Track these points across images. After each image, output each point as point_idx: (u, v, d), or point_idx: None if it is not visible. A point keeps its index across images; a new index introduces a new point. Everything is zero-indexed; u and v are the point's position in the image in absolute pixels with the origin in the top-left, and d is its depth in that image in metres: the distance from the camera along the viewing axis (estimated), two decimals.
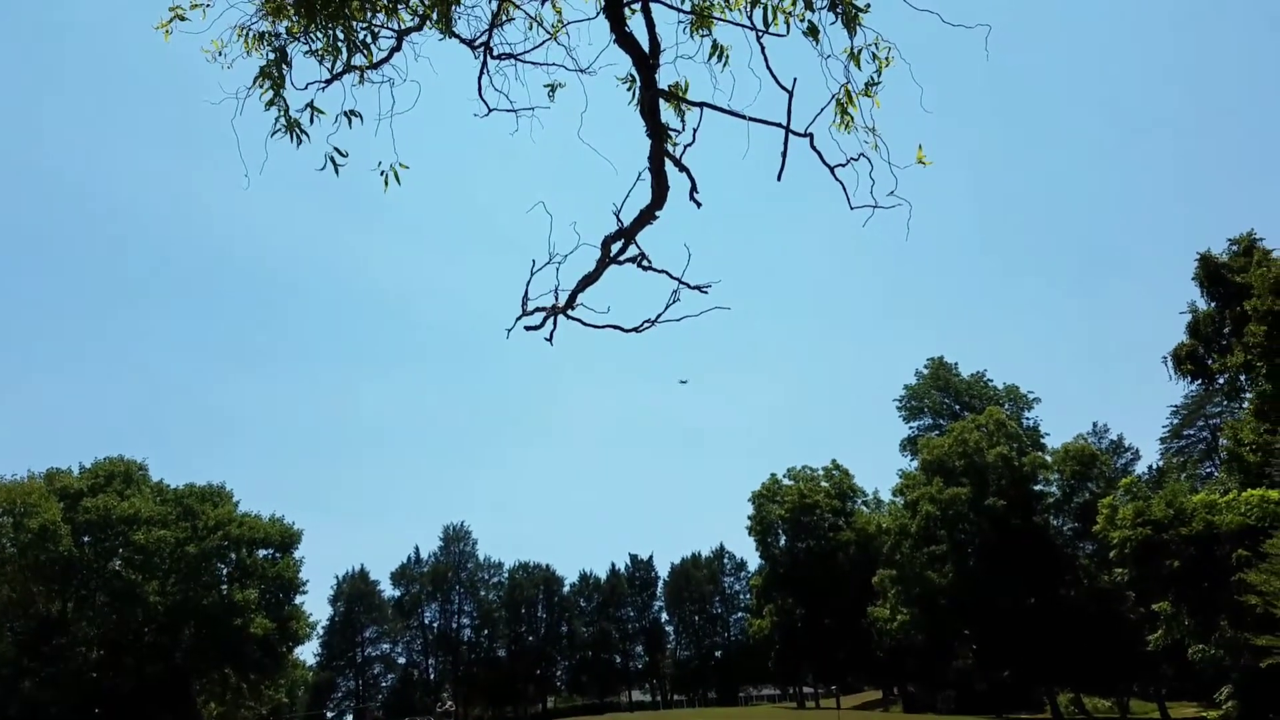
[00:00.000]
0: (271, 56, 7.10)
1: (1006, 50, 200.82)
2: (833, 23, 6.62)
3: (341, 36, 7.16)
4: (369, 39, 7.31)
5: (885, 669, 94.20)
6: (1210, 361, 54.27)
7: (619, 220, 7.35)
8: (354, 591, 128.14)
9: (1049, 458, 78.10)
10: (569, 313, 7.68)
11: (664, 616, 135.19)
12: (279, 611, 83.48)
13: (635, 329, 7.79)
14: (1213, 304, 54.13)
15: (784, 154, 6.88)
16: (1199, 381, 58.43)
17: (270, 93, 7.11)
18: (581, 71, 7.61)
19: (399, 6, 7.31)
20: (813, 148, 6.89)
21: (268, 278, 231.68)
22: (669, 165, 7.16)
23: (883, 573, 79.00)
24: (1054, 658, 68.58)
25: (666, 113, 7.20)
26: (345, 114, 7.23)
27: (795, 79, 6.75)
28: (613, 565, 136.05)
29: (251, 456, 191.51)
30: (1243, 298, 49.03)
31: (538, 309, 7.66)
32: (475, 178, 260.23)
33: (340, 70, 7.26)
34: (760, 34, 6.73)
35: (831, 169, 6.93)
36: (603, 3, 6.78)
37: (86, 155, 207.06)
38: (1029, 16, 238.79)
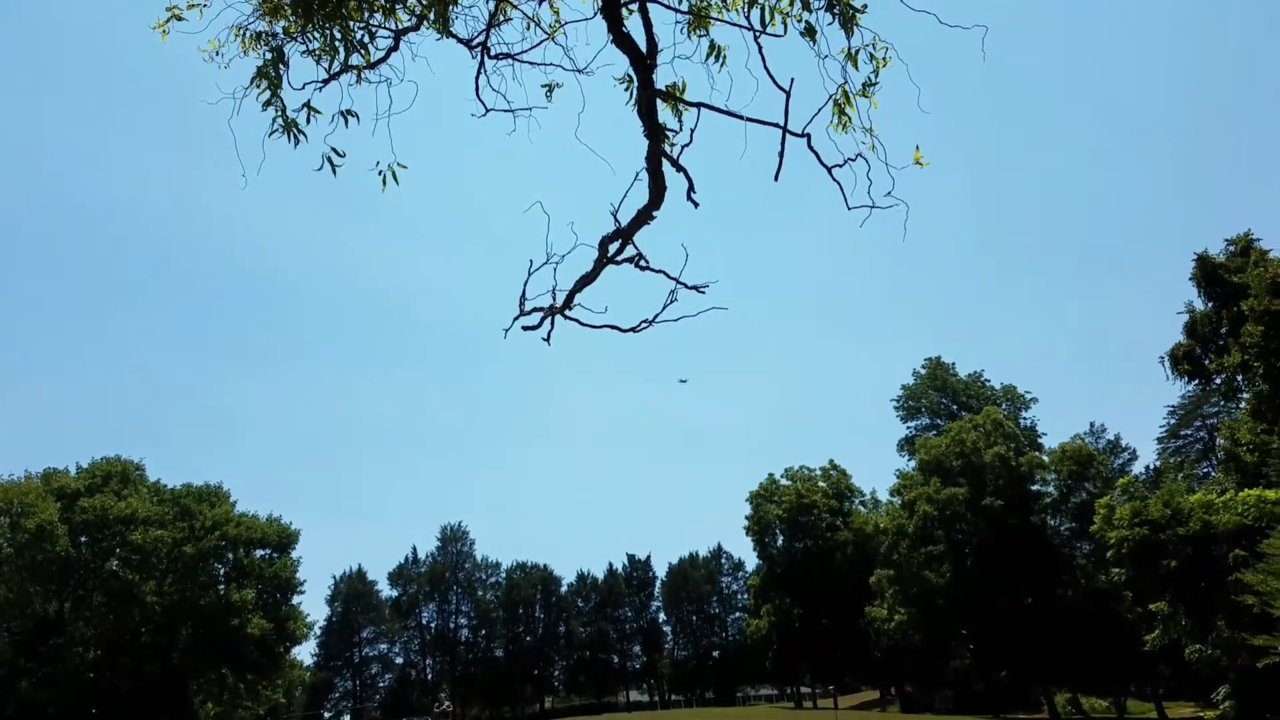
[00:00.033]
0: (268, 56, 7.09)
1: (1004, 51, 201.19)
2: (830, 23, 6.62)
3: (339, 36, 7.15)
4: (366, 39, 7.30)
5: (883, 669, 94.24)
6: (1207, 362, 54.33)
7: (616, 220, 7.35)
8: (351, 592, 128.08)
9: (1046, 458, 78.15)
10: (566, 313, 7.68)
11: (661, 616, 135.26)
12: (276, 612, 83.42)
13: (633, 329, 7.79)
14: (1210, 304, 54.21)
15: (781, 154, 6.89)
16: (1196, 382, 58.48)
17: (267, 93, 7.10)
18: (579, 72, 7.61)
19: (396, 6, 7.30)
20: (810, 148, 6.90)
21: (265, 277, 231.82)
22: (666, 165, 7.17)
23: (880, 573, 79.04)
24: (1051, 658, 68.62)
25: (664, 113, 7.20)
26: (342, 114, 7.22)
27: (792, 79, 6.76)
28: (610, 565, 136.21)
29: (249, 456, 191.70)
30: (1240, 298, 49.10)
31: (535, 309, 7.65)
32: (473, 178, 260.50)
33: (337, 70, 7.25)
34: (758, 34, 6.74)
35: (829, 169, 6.94)
36: (600, 3, 6.78)
37: (86, 155, 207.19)
38: (1026, 17, 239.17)
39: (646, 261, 7.63)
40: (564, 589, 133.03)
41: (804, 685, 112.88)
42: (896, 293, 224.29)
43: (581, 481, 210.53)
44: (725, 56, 7.10)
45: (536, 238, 7.39)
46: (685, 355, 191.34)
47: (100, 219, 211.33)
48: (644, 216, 7.29)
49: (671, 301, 7.63)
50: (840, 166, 6.90)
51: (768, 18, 6.68)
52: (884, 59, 6.75)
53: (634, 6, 6.80)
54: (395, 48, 7.38)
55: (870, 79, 6.81)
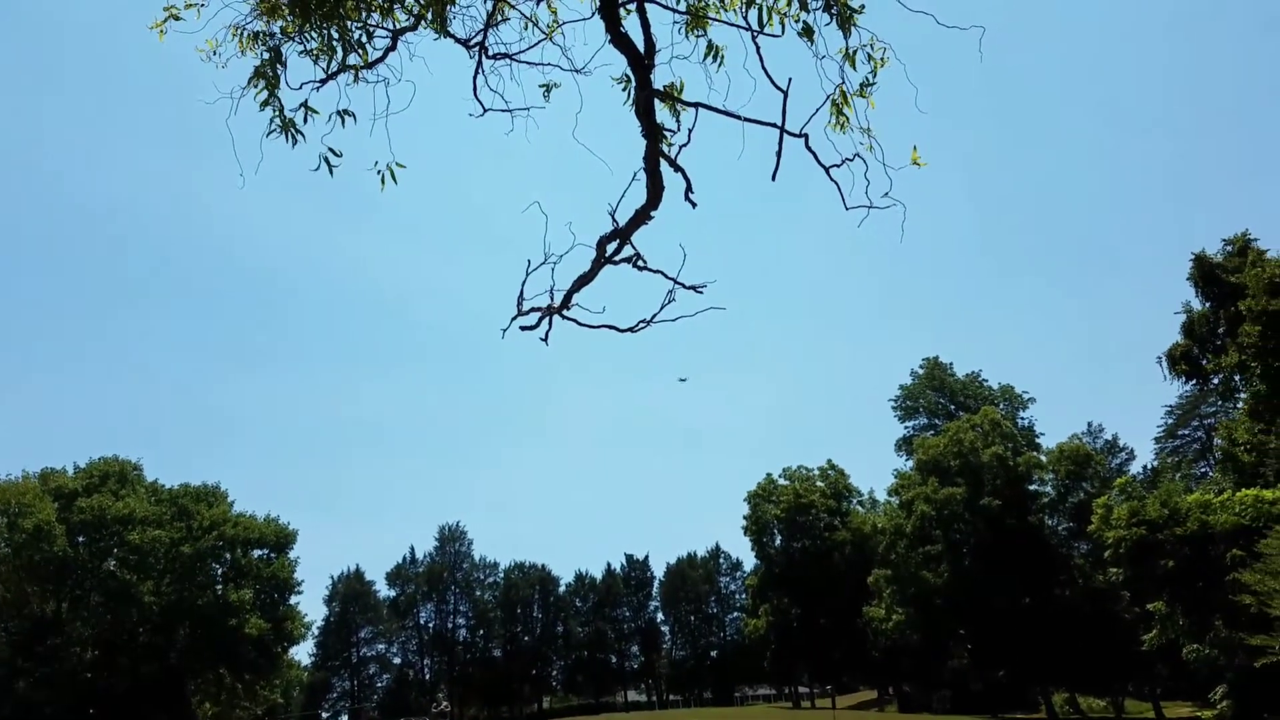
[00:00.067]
0: (266, 56, 7.08)
1: (1002, 51, 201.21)
2: (828, 23, 6.63)
3: (336, 36, 7.15)
4: (364, 38, 7.29)
5: (880, 669, 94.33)
6: (1205, 362, 54.41)
7: (614, 220, 7.36)
8: (349, 592, 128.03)
9: (1044, 458, 78.22)
10: (564, 313, 7.68)
11: (659, 616, 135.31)
12: (274, 612, 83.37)
13: (630, 329, 7.79)
14: (1207, 304, 54.30)
15: (779, 154, 6.89)
16: (1194, 382, 58.56)
17: (265, 93, 7.10)
18: (577, 71, 7.61)
19: (394, 6, 7.29)
20: (808, 148, 6.90)
21: (264, 277, 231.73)
22: (664, 165, 7.17)
23: (878, 572, 79.06)
24: (1049, 657, 68.67)
25: (662, 113, 7.21)
26: (339, 113, 7.21)
27: (790, 79, 6.76)
28: (608, 565, 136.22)
29: (246, 456, 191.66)
30: (1237, 298, 49.17)
31: (533, 309, 7.66)
32: (471, 178, 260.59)
33: (335, 70, 7.24)
34: (755, 34, 6.74)
35: (827, 169, 6.94)
36: (598, 3, 6.78)
37: (85, 155, 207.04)
38: (1024, 17, 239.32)
39: (644, 261, 7.63)
40: (562, 589, 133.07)
41: (802, 685, 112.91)
42: (894, 293, 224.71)
43: (579, 481, 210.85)
44: (723, 57, 7.10)
45: (534, 238, 7.38)
46: (683, 355, 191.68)
47: (99, 219, 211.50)
48: (642, 216, 7.29)
49: (669, 301, 7.64)
50: (838, 166, 6.91)
51: (765, 18, 6.68)
52: (882, 59, 6.76)
53: (632, 6, 6.80)
54: (393, 47, 7.38)
55: (868, 79, 6.82)
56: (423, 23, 7.35)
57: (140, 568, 75.43)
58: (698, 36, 7.14)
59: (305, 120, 7.16)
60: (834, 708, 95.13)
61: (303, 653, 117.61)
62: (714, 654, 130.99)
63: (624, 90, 7.40)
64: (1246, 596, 36.04)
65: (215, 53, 7.11)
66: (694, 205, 7.34)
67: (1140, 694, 78.90)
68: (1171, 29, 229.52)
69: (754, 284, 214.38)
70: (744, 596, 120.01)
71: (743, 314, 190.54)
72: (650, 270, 7.65)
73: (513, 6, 7.52)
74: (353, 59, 7.28)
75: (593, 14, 6.96)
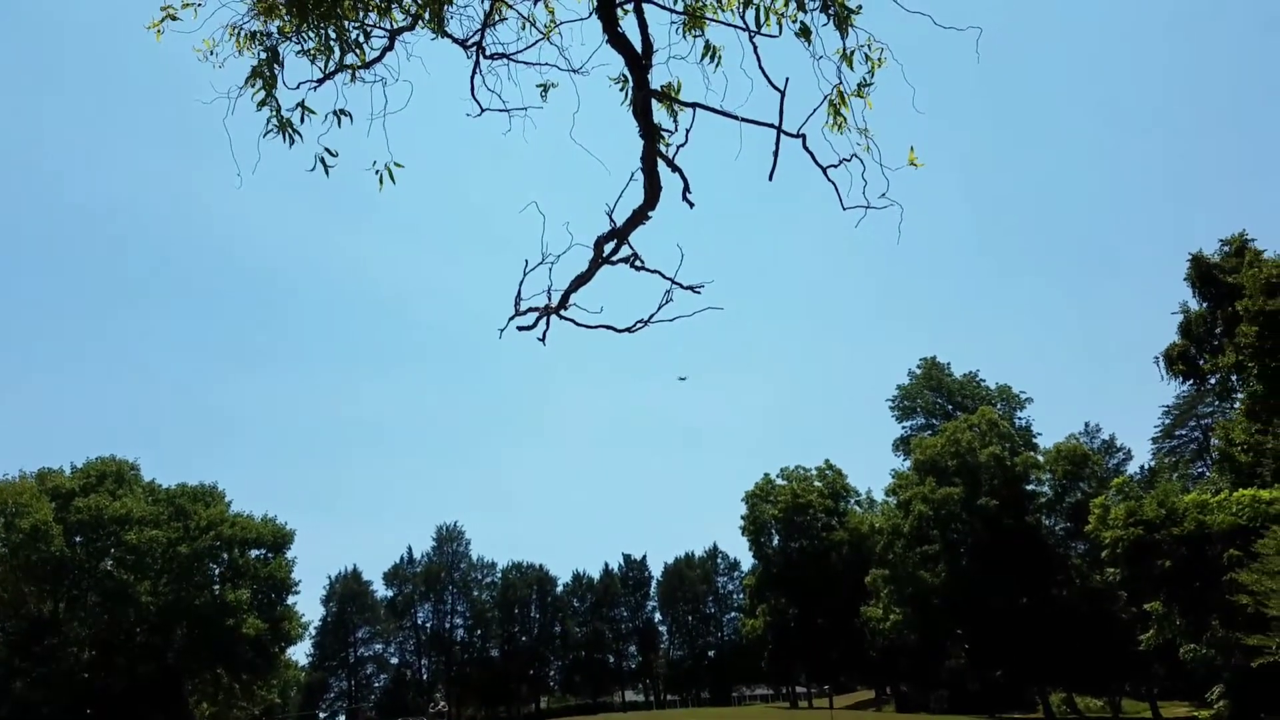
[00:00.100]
0: (263, 56, 7.07)
1: (999, 51, 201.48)
2: (825, 24, 6.63)
3: (334, 36, 7.14)
4: (361, 38, 7.29)
5: (878, 669, 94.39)
6: (1202, 362, 54.45)
7: (612, 220, 7.36)
8: (346, 592, 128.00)
9: (1041, 458, 78.29)
10: (562, 313, 7.69)
11: (657, 616, 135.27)
12: (271, 612, 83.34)
13: (628, 329, 7.80)
14: (1204, 304, 54.33)
15: (775, 154, 6.90)
16: (1191, 382, 58.63)
17: (262, 92, 7.09)
18: (574, 72, 7.62)
19: (391, 6, 7.29)
20: (805, 148, 6.91)
21: (261, 277, 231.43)
22: (661, 165, 7.18)
23: (875, 572, 79.10)
24: (1046, 657, 68.72)
25: (659, 113, 7.21)
26: (336, 113, 7.21)
27: (787, 79, 6.77)
28: (606, 565, 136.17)
29: (244, 456, 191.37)
30: (1234, 298, 49.21)
31: (531, 309, 7.66)
32: (468, 178, 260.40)
33: (332, 70, 7.23)
34: (753, 34, 6.75)
35: (824, 170, 6.95)
36: (595, 3, 6.78)
37: (85, 155, 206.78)
38: (1022, 18, 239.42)
39: (642, 261, 7.64)
40: (560, 589, 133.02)
41: (799, 685, 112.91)
42: (892, 293, 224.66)
43: (577, 481, 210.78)
44: (720, 57, 7.11)
45: (532, 238, 7.37)
46: (681, 355, 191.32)
47: (98, 219, 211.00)
48: (639, 216, 7.30)
49: (667, 301, 7.65)
50: (835, 167, 6.92)
51: (763, 18, 6.68)
52: (879, 59, 6.76)
53: (629, 7, 6.80)
54: (390, 47, 7.38)
55: (865, 79, 6.82)
56: (420, 22, 7.35)
57: (137, 568, 75.40)
58: (695, 37, 7.15)
59: (302, 120, 7.16)
60: (831, 707, 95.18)
61: (300, 653, 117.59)
62: (711, 654, 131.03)
63: (621, 90, 7.41)
64: (1243, 596, 36.06)
65: (212, 52, 7.10)
66: (691, 205, 7.35)
67: (1137, 694, 79.01)
68: (1170, 29, 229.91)
69: (751, 284, 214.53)
70: (741, 596, 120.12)
71: (740, 314, 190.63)
72: (648, 270, 7.66)
73: (510, 6, 7.52)
74: (350, 59, 7.28)
75: (590, 14, 6.96)
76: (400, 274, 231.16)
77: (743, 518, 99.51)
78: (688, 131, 7.28)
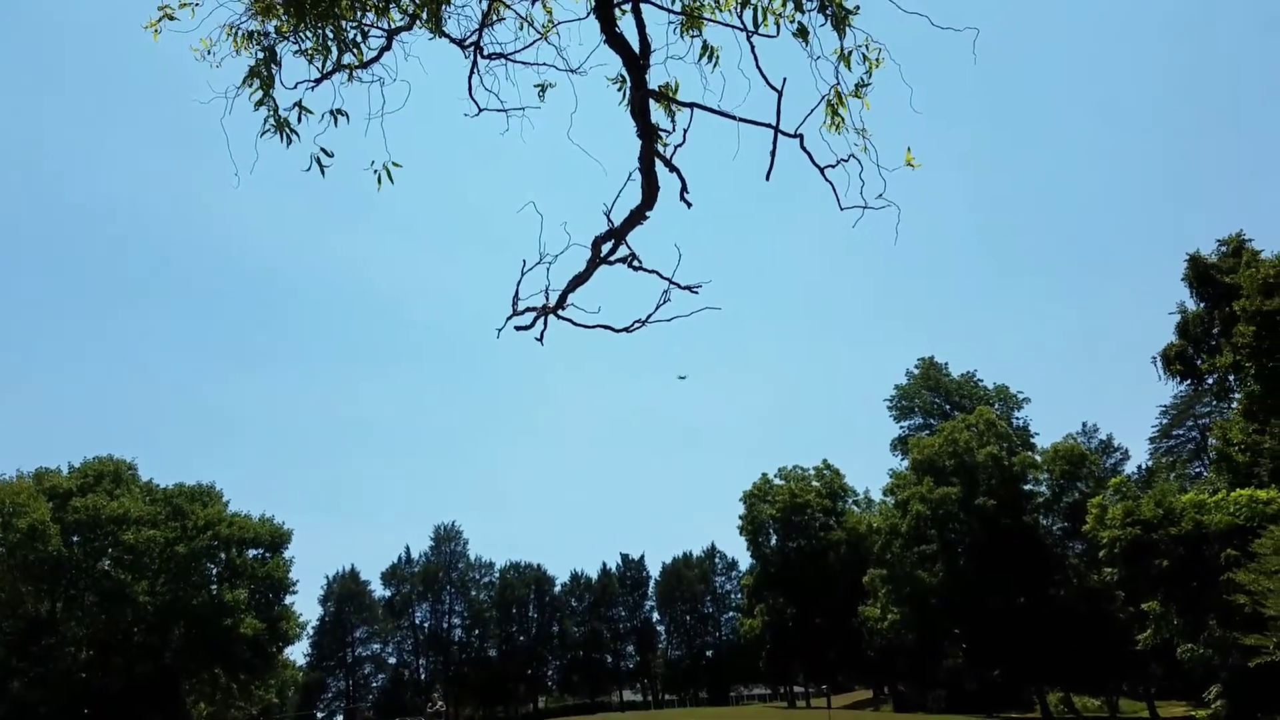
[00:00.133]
0: (261, 56, 7.07)
1: (997, 51, 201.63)
2: (822, 24, 6.63)
3: (331, 36, 7.14)
4: (359, 38, 7.29)
5: (876, 668, 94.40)
6: (1199, 362, 54.47)
7: (609, 220, 7.36)
8: (344, 591, 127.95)
9: (1039, 457, 78.38)
10: (559, 313, 7.69)
11: (655, 616, 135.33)
12: (269, 612, 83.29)
13: (626, 329, 7.80)
14: (1202, 305, 54.35)
15: (773, 153, 6.90)
16: (1188, 382, 58.66)
17: (260, 92, 7.08)
18: (572, 72, 7.62)
19: (389, 6, 7.29)
20: (803, 148, 6.91)
21: (259, 277, 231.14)
22: (659, 165, 7.18)
23: (873, 572, 79.15)
24: (1044, 657, 68.79)
25: (657, 113, 7.21)
26: (332, 113, 7.21)
27: (784, 79, 6.77)
28: (604, 565, 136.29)
29: (241, 456, 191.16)
30: (1231, 298, 49.22)
31: (528, 309, 7.66)
32: (466, 177, 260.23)
33: (330, 69, 7.23)
34: (750, 35, 6.75)
35: (821, 170, 6.95)
36: (593, 3, 6.78)
37: (85, 155, 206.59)
38: (1020, 18, 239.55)
39: (639, 261, 7.64)
40: (557, 589, 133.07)
41: (797, 685, 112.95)
42: (889, 293, 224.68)
43: (575, 481, 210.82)
44: (718, 57, 7.11)
45: (530, 238, 7.37)
46: (679, 355, 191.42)
47: (97, 219, 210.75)
48: (637, 216, 7.30)
49: (664, 301, 7.65)
50: (833, 167, 6.92)
51: (760, 18, 6.68)
52: (877, 60, 6.76)
53: (627, 7, 6.80)
54: (388, 47, 7.37)
55: (863, 80, 6.83)
56: (418, 22, 7.34)
57: (135, 567, 75.32)
58: (693, 37, 7.15)
59: (300, 120, 7.16)
60: (829, 707, 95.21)
61: (298, 653, 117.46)
62: (709, 654, 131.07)
63: (619, 90, 7.41)
64: (1241, 596, 36.09)
65: (210, 52, 7.09)
66: (689, 205, 7.36)
67: (1135, 693, 79.08)
68: (1168, 29, 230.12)
69: (749, 284, 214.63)
70: (739, 596, 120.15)
71: (738, 314, 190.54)
72: (645, 270, 7.66)
73: (508, 6, 7.52)
74: (348, 59, 7.27)
75: (588, 14, 6.96)
76: (398, 274, 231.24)
77: (740, 517, 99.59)
78: (685, 131, 7.29)
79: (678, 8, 7.10)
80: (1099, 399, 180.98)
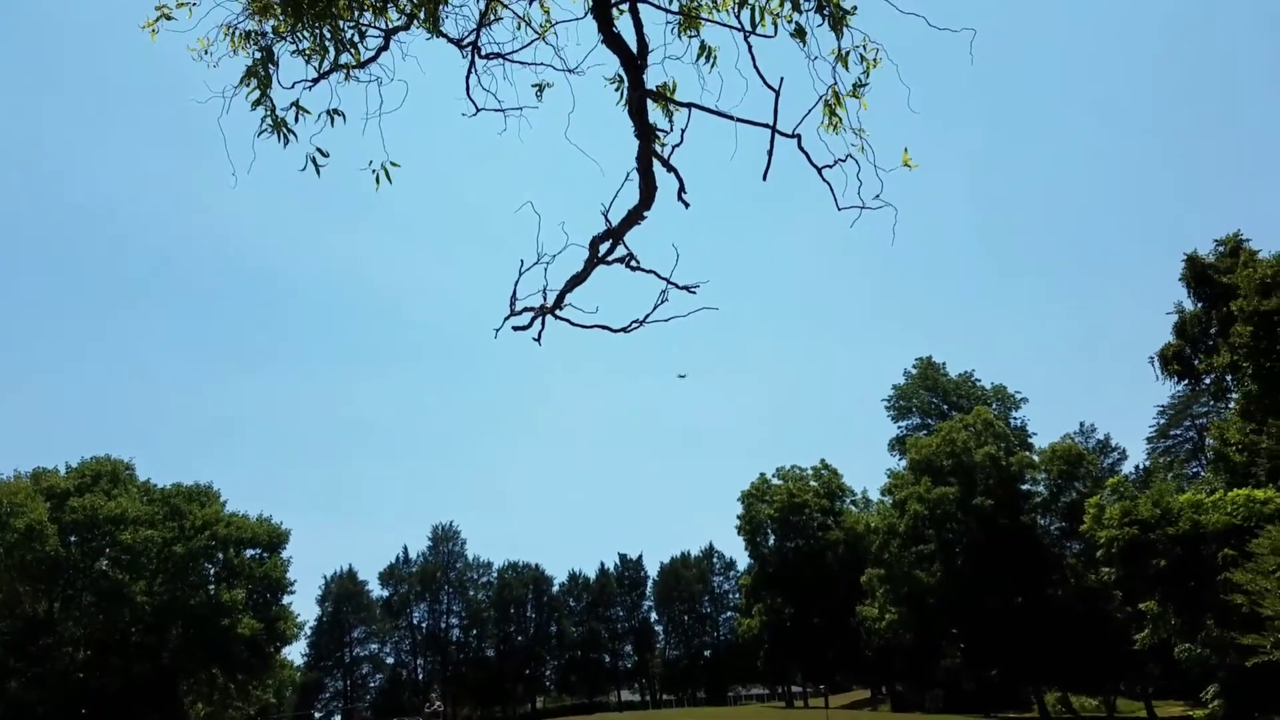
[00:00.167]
0: (258, 55, 7.06)
1: (994, 52, 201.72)
2: (820, 24, 6.62)
3: (329, 35, 7.13)
4: (356, 38, 7.28)
5: (873, 668, 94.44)
6: (1197, 362, 54.53)
7: (607, 220, 7.36)
8: (342, 591, 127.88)
9: (1036, 457, 78.45)
10: (557, 313, 7.68)
11: (653, 616, 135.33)
12: (266, 612, 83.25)
13: (623, 329, 7.79)
14: (1199, 305, 54.41)
15: (770, 153, 6.90)
16: (1186, 382, 58.71)
17: (257, 92, 7.08)
18: (569, 71, 7.61)
19: (387, 5, 7.28)
20: (800, 149, 6.91)
21: (258, 277, 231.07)
22: (657, 165, 7.17)
23: (871, 572, 79.18)
24: (1041, 657, 68.85)
25: (654, 113, 7.21)
26: (330, 113, 7.20)
27: (782, 79, 6.77)
28: (602, 565, 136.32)
29: (239, 456, 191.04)
30: (1229, 298, 49.24)
31: (526, 309, 7.65)
32: (464, 177, 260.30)
33: (327, 69, 7.22)
34: (748, 35, 6.74)
35: (819, 170, 6.95)
36: (591, 3, 6.78)
37: (85, 155, 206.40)
38: (1018, 18, 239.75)
39: (637, 261, 7.63)
40: (555, 589, 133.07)
41: (795, 684, 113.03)
42: (887, 293, 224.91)
43: (573, 481, 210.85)
44: (716, 57, 7.10)
45: (527, 238, 7.37)
46: (676, 355, 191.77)
47: (97, 219, 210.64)
48: (634, 216, 7.29)
49: (662, 301, 7.64)
50: (830, 167, 6.91)
51: (758, 18, 6.68)
52: (874, 60, 6.76)
53: (624, 7, 6.80)
54: (385, 47, 7.37)
55: (860, 80, 6.82)
56: (415, 22, 7.34)
57: (132, 567, 75.25)
58: (690, 37, 7.14)
59: (297, 120, 7.15)
60: (827, 707, 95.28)
61: (295, 653, 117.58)
62: (707, 653, 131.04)
63: (617, 90, 7.41)
64: (1238, 596, 36.13)
65: (207, 52, 7.08)
66: (687, 205, 7.35)
67: (1132, 693, 79.16)
68: (1166, 29, 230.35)
69: (747, 284, 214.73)
70: (737, 596, 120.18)
71: (736, 314, 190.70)
72: (643, 270, 7.66)
73: (506, 6, 7.51)
74: (345, 58, 7.26)
75: (585, 14, 6.95)
76: (396, 274, 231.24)
77: (739, 517, 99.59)
78: (683, 131, 7.29)
79: (675, 8, 7.09)
80: (1096, 399, 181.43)
